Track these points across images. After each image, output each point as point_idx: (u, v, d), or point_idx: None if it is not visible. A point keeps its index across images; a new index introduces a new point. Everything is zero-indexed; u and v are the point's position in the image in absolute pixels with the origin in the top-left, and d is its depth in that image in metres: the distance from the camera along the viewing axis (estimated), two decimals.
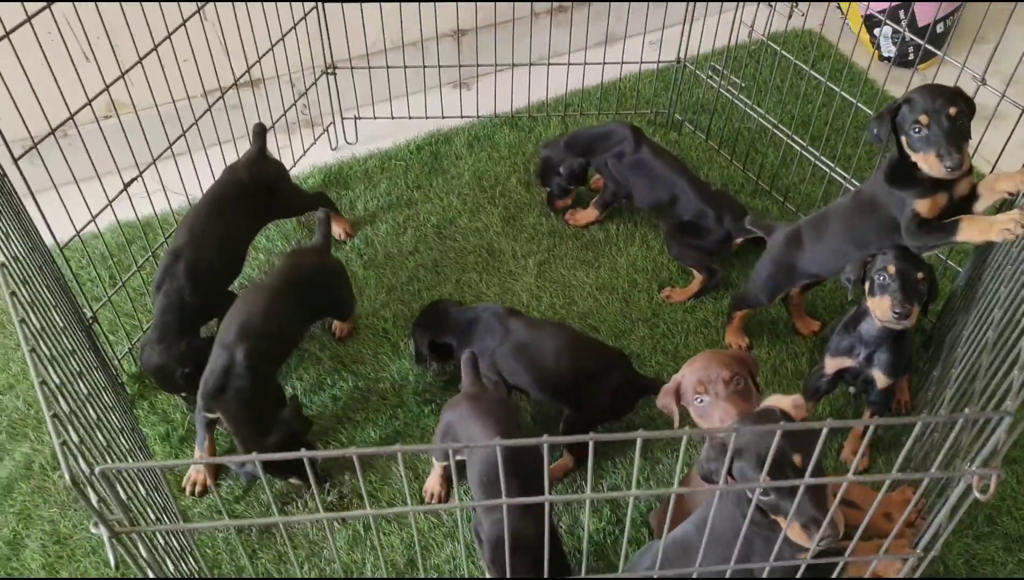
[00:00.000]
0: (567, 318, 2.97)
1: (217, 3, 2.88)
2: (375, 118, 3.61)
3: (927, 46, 2.93)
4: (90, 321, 2.65)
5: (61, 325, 2.07)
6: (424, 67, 3.47)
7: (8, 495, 2.58)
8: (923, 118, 2.22)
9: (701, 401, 2.13)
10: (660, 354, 2.89)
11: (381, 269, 3.15)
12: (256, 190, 2.86)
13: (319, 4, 3.24)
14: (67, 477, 1.22)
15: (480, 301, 3.00)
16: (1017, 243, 2.17)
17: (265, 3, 3.07)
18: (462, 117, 3.67)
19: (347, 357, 2.89)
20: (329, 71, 3.46)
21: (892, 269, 2.28)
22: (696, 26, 3.44)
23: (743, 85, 3.59)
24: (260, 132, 2.96)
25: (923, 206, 2.30)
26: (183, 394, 2.66)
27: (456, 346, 2.69)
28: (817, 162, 3.27)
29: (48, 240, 2.49)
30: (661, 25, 3.49)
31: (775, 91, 3.62)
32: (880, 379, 2.41)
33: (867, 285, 2.35)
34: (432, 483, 2.54)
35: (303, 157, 3.49)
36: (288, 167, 3.20)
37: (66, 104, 2.41)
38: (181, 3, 2.71)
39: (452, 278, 3.10)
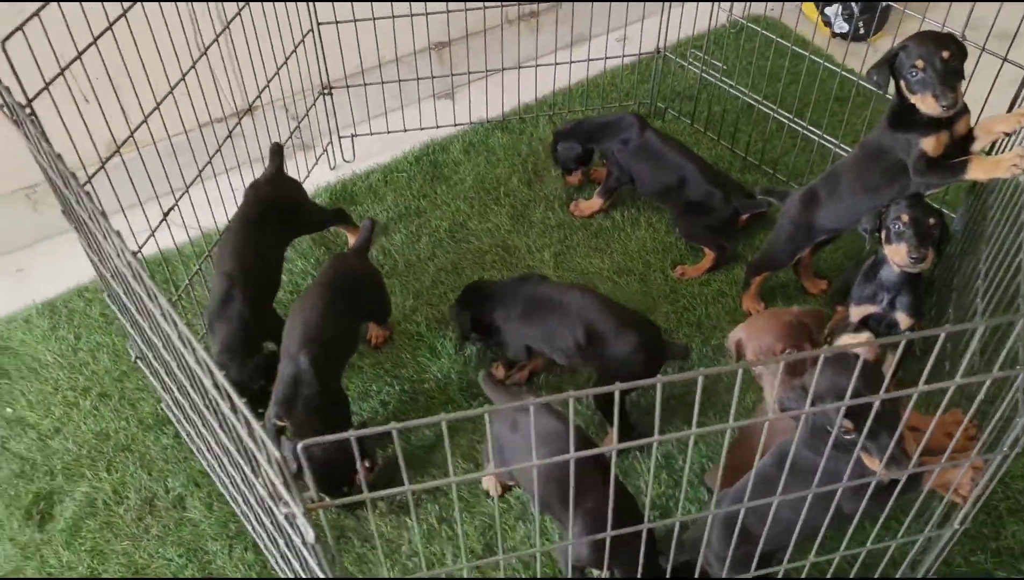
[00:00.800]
0: None
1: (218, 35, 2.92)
2: (371, 134, 3.70)
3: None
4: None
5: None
6: (418, 79, 3.59)
7: (77, 534, 2.59)
8: (919, 62, 2.42)
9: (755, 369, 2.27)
10: (686, 326, 3.04)
11: (404, 277, 3.24)
12: (281, 206, 2.93)
13: (315, 27, 3.33)
14: (268, 454, 1.29)
15: None
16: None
17: (259, 30, 3.12)
18: (455, 125, 3.78)
19: (387, 363, 2.97)
20: (326, 91, 3.53)
21: (906, 217, 2.48)
22: (674, 14, 3.63)
23: (723, 67, 3.79)
24: (277, 151, 3.04)
25: (928, 144, 2.49)
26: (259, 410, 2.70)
27: (495, 315, 2.81)
28: (804, 132, 3.48)
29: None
30: (639, 17, 3.68)
31: (743, 73, 3.82)
32: (903, 320, 2.59)
33: (883, 234, 2.54)
34: (487, 483, 2.63)
35: (307, 178, 3.55)
36: None
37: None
38: (187, 30, 2.76)
39: (474, 277, 3.20)
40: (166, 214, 2.69)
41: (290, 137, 3.41)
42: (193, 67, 2.74)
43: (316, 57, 3.41)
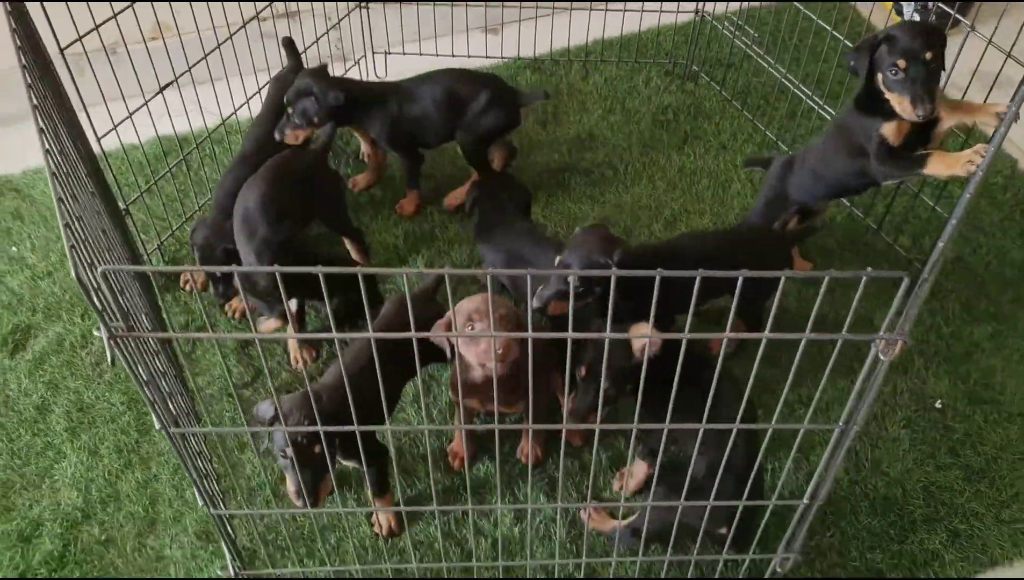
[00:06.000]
0: None
1: None
2: (404, 54, 3.78)
3: (956, 14, 3.01)
4: (124, 212, 2.87)
5: (97, 209, 2.29)
6: (452, 3, 3.63)
7: (40, 366, 2.82)
8: (901, 62, 2.34)
9: (472, 328, 2.18)
10: None
11: (399, 191, 3.33)
12: None
13: None
14: (73, 274, 1.40)
15: None
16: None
17: None
18: (487, 57, 3.82)
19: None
20: (362, 4, 3.63)
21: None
22: None
23: (757, 36, 3.69)
24: (290, 44, 3.22)
25: (889, 130, 2.43)
26: (218, 286, 2.84)
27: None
28: (827, 116, 3.37)
29: (96, 148, 2.71)
30: None
31: (793, 49, 3.71)
32: None
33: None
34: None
35: None
36: None
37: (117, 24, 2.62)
38: None
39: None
40: (165, 86, 2.86)
41: (316, 42, 3.51)
42: None
43: None
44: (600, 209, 3.27)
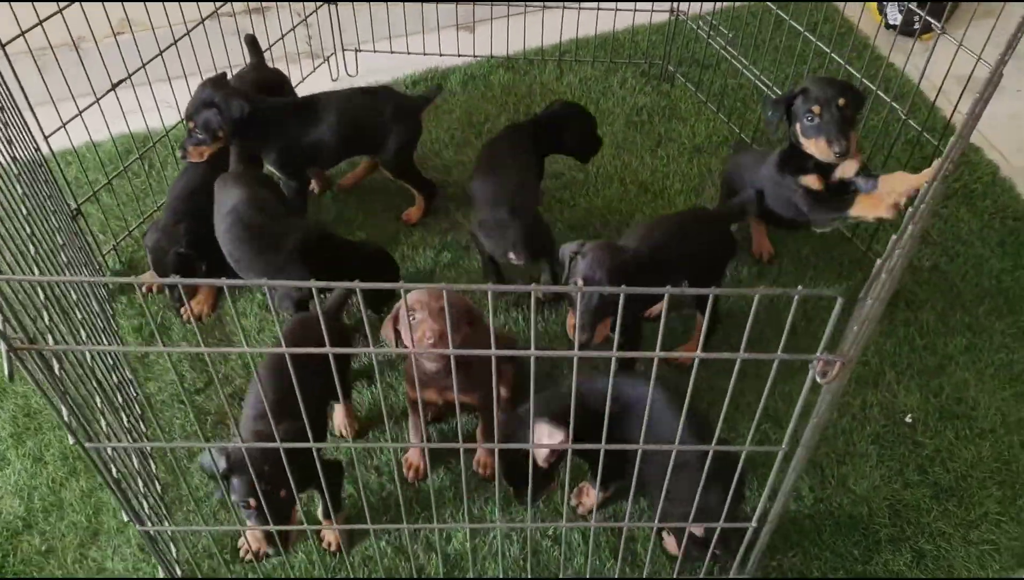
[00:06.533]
0: None
1: None
2: (375, 52, 3.70)
3: (929, 19, 2.93)
4: (75, 212, 2.80)
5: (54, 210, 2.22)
6: (423, 1, 3.55)
7: None
8: (816, 108, 2.47)
9: (412, 318, 2.13)
10: None
11: (361, 194, 3.25)
12: (265, 92, 2.96)
13: None
14: None
15: (457, 229, 3.13)
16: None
17: None
18: (459, 56, 3.74)
19: None
20: (329, 1, 3.55)
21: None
22: None
23: (731, 37, 3.61)
24: (252, 41, 3.14)
25: (810, 179, 2.56)
26: (173, 290, 2.80)
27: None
28: None
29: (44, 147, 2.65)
30: None
31: (772, 50, 3.63)
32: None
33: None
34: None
35: (301, 84, 3.59)
36: None
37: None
38: None
39: (437, 206, 3.19)
40: (118, 83, 2.78)
41: (282, 39, 3.43)
42: None
43: None
44: (571, 213, 3.19)
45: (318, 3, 3.57)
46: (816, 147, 2.51)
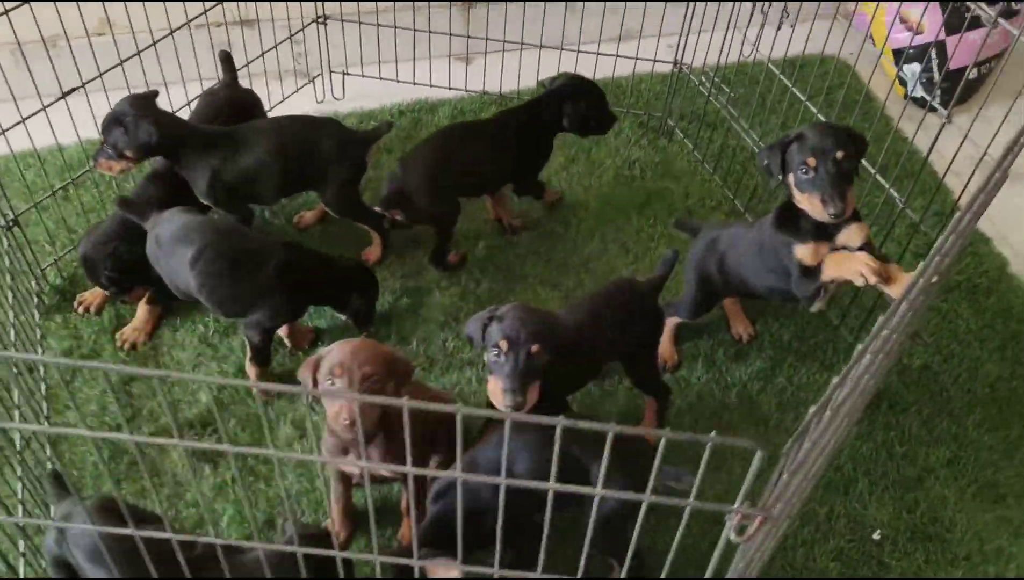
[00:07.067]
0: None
1: None
2: (363, 76, 3.54)
3: (936, 105, 2.73)
4: (11, 224, 2.65)
5: None
6: (414, 31, 3.39)
7: None
8: (811, 160, 2.20)
9: (332, 383, 1.97)
10: None
11: (328, 226, 3.08)
12: (235, 112, 2.87)
13: None
14: None
15: (420, 274, 2.95)
16: None
17: None
18: (450, 89, 3.57)
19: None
20: (319, 20, 3.40)
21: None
22: (703, 37, 3.24)
23: (733, 96, 3.41)
24: (227, 58, 3.00)
25: (804, 253, 2.28)
26: (110, 283, 2.66)
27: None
28: None
29: None
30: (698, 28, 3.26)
31: (774, 114, 3.41)
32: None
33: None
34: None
35: (281, 103, 3.44)
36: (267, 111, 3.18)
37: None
38: None
39: (398, 247, 3.01)
40: (69, 92, 2.63)
41: (262, 55, 3.28)
42: None
43: None
44: (544, 268, 3.00)
45: (306, 20, 3.42)
46: (810, 204, 2.22)
